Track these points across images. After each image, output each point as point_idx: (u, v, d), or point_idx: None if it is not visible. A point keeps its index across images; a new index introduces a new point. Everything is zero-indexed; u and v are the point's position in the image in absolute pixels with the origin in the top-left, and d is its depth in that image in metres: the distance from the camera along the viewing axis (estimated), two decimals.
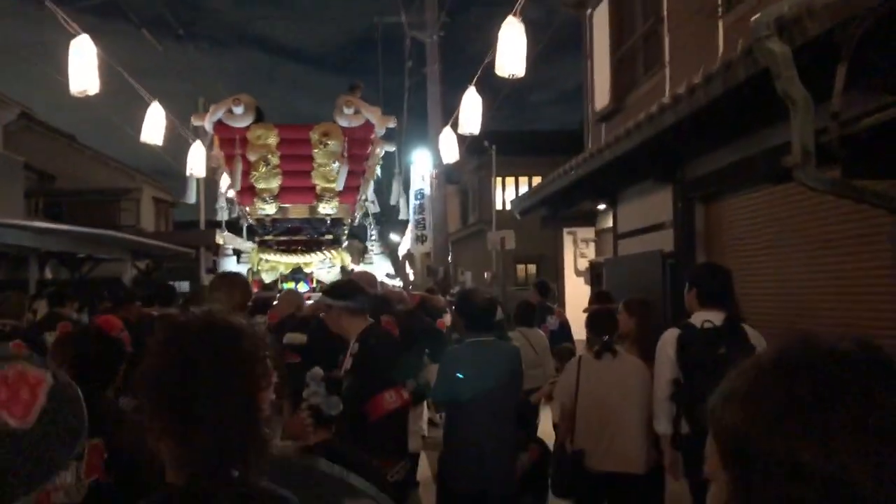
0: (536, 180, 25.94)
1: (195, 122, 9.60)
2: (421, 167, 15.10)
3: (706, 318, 3.79)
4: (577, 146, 10.05)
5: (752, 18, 3.65)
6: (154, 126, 9.49)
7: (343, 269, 9.65)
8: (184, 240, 17.60)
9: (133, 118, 9.26)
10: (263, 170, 9.23)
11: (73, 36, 7.06)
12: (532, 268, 25.21)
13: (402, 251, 23.42)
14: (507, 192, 25.58)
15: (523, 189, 26.88)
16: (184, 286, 19.36)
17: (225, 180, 9.97)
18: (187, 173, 11.10)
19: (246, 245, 16.60)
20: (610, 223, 8.98)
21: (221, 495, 1.28)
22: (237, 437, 1.31)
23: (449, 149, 10.59)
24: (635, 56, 8.47)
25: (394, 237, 26.30)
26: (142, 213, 26.46)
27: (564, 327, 7.19)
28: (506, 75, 7.07)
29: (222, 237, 17.65)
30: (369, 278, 6.22)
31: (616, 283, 7.59)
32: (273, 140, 9.14)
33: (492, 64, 7.03)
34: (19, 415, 1.50)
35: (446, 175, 16.94)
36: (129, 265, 16.75)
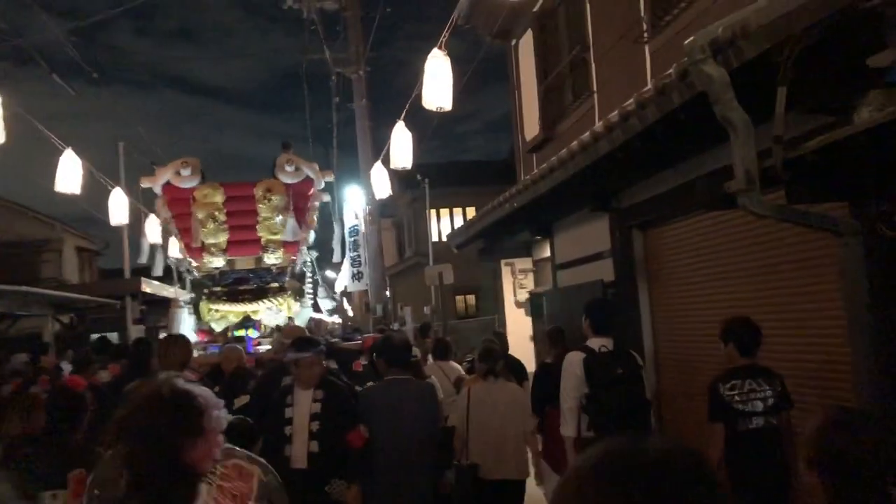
0: (470, 211, 26.01)
1: (144, 184, 10.22)
2: (353, 204, 14.82)
3: (602, 343, 4.69)
4: (509, 176, 10.20)
5: (686, 42, 3.54)
6: (69, 174, 9.05)
7: (290, 318, 9.98)
8: (108, 289, 16.85)
9: (52, 166, 8.92)
10: (212, 226, 9.92)
11: None
12: (471, 298, 25.05)
13: (338, 288, 23.08)
14: (442, 224, 25.48)
15: (458, 220, 26.83)
16: (112, 337, 18.54)
17: (174, 238, 10.38)
18: (146, 240, 11.02)
19: (180, 293, 16.39)
20: (547, 253, 8.86)
21: None
22: (164, 468, 1.73)
23: (381, 184, 10.39)
24: (563, 85, 8.41)
25: (329, 273, 25.87)
26: (64, 263, 25.40)
27: None
28: (433, 109, 6.90)
29: (150, 285, 16.98)
30: (299, 331, 6.73)
31: (557, 315, 7.42)
32: (219, 198, 9.81)
33: (420, 97, 6.90)
34: None
35: (381, 209, 16.69)
36: (50, 320, 15.92)
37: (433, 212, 24.85)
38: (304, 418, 4.27)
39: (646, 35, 6.32)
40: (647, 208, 5.84)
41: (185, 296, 11.13)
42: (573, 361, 4.67)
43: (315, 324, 12.25)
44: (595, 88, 7.35)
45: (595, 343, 4.68)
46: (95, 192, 10.96)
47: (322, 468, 4.17)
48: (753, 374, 3.95)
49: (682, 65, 3.78)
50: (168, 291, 18.38)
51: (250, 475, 2.16)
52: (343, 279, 17.66)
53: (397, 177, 12.37)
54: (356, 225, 14.75)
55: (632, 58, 6.51)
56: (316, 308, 14.90)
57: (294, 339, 5.47)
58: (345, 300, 24.26)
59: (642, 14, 6.37)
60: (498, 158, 27.68)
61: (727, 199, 3.70)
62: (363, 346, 7.73)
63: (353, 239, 14.51)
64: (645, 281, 6.10)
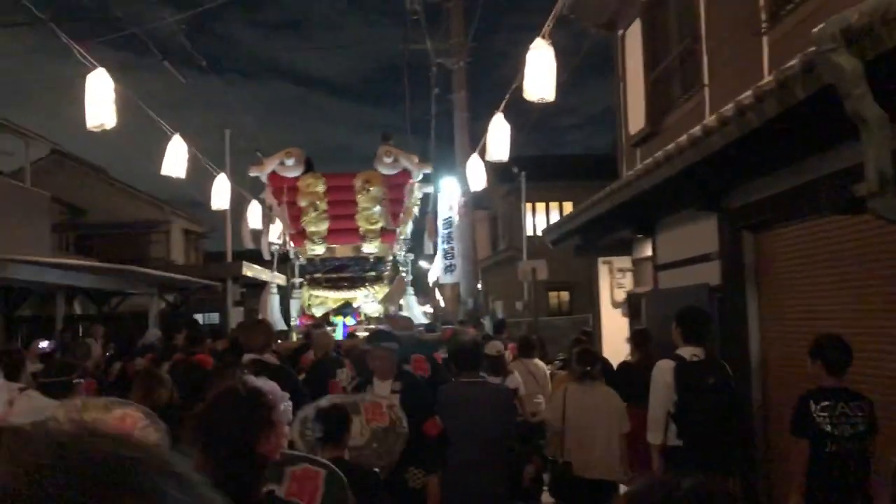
0: (567, 206, 25.56)
1: (252, 172, 10.65)
2: (448, 195, 14.73)
3: (693, 352, 4.69)
4: (608, 171, 9.98)
5: (815, 30, 3.25)
6: (176, 159, 9.36)
7: (385, 311, 10.29)
8: (211, 272, 17.41)
9: (162, 151, 9.26)
10: (313, 214, 10.32)
11: (93, 69, 6.90)
12: (565, 295, 24.63)
13: (430, 279, 23.16)
14: (537, 218, 25.15)
15: (554, 215, 26.43)
16: (212, 318, 19.16)
17: (276, 225, 10.83)
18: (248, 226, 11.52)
19: (276, 277, 17.04)
20: (648, 252, 8.53)
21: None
22: (239, 458, 1.89)
23: (476, 176, 10.29)
24: (672, 77, 8.06)
25: (422, 264, 26.04)
26: (172, 245, 26.44)
27: None
28: (534, 100, 6.70)
29: (250, 269, 17.44)
30: (405, 323, 7.22)
31: (657, 318, 7.10)
32: (321, 188, 10.18)
33: (520, 89, 6.73)
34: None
35: (475, 201, 16.60)
36: (155, 299, 16.59)
37: (528, 205, 24.58)
38: None
39: (764, 25, 5.94)
40: (761, 209, 5.48)
41: (277, 279, 11.45)
42: (663, 369, 4.70)
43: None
44: (706, 81, 6.99)
45: (686, 352, 4.70)
46: (202, 177, 11.36)
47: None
48: (846, 397, 3.84)
49: (808, 55, 3.48)
50: (267, 276, 18.87)
51: (317, 476, 2.35)
52: (435, 271, 17.68)
53: (493, 169, 12.32)
54: (450, 217, 14.67)
55: (747, 49, 6.14)
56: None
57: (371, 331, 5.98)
58: (437, 292, 24.35)
59: (761, 2, 5.99)
60: (599, 153, 27.16)
61: (855, 203, 3.41)
62: (443, 337, 7.88)
63: (447, 231, 14.44)
64: (754, 286, 5.74)
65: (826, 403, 3.79)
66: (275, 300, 10.81)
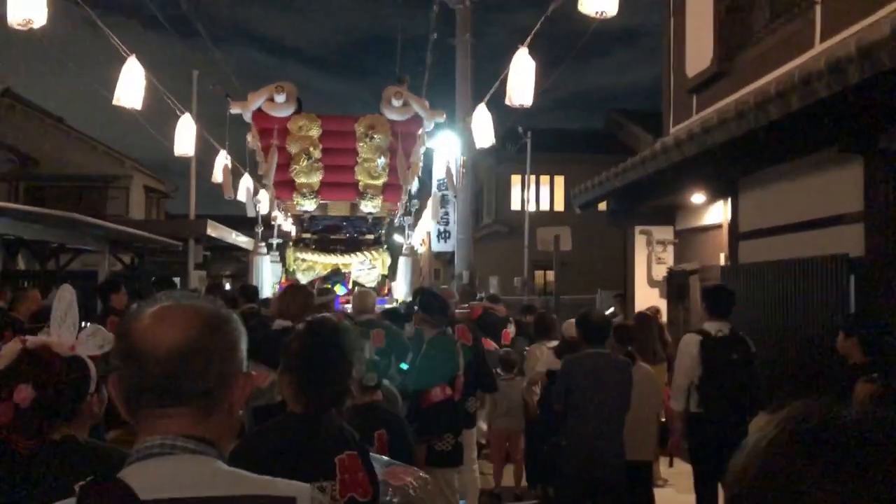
0: (559, 179, 24.03)
1: (234, 109, 8.87)
2: (444, 154, 13.07)
3: (718, 327, 4.81)
4: (602, 145, 8.30)
5: None
6: (131, 86, 7.65)
7: (384, 276, 9.19)
8: (171, 229, 15.62)
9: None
10: (305, 163, 8.64)
11: None
12: (551, 275, 23.17)
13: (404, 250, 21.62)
14: (523, 193, 23.65)
15: (544, 189, 24.92)
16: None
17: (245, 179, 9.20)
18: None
19: (240, 240, 15.29)
20: (697, 221, 7.05)
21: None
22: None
23: (483, 131, 8.75)
24: (755, 1, 6.50)
25: (397, 237, 24.46)
26: (132, 202, 24.54)
27: None
28: (592, 13, 5.24)
29: (216, 228, 15.74)
30: (450, 292, 6.98)
31: (740, 299, 5.48)
32: (316, 132, 8.54)
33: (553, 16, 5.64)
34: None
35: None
36: (107, 257, 14.76)
37: (517, 177, 23.07)
38: None
39: None
40: None
41: (240, 241, 9.79)
42: (690, 343, 4.85)
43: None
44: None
45: (712, 327, 4.83)
46: (169, 128, 9.66)
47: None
48: None
49: None
50: (234, 238, 17.09)
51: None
52: (415, 240, 16.16)
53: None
54: (444, 178, 13.04)
55: None
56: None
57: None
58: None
59: None
60: (590, 129, 25.75)
61: None
62: (472, 315, 6.80)
63: (441, 194, 12.83)
64: None
65: None
66: (265, 262, 9.15)
